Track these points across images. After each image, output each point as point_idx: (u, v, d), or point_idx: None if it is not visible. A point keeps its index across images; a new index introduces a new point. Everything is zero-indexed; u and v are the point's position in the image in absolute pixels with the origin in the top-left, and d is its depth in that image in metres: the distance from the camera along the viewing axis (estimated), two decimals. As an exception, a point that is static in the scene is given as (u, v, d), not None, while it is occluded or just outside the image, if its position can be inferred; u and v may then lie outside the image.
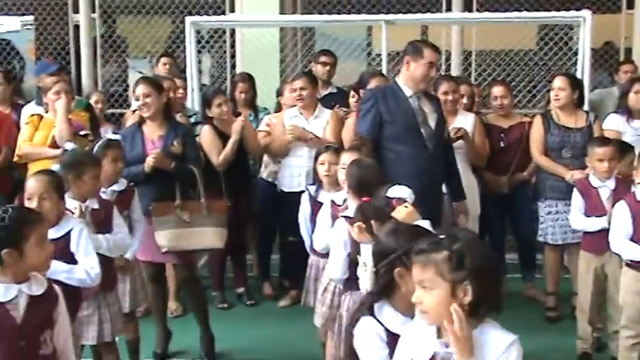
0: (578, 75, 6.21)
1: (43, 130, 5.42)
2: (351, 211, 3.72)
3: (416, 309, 2.25)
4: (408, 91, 4.68)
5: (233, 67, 7.53)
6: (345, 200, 4.12)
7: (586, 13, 6.23)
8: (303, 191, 5.60)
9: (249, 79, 6.42)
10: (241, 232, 5.80)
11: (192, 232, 4.69)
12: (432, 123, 4.68)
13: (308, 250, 4.73)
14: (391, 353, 2.42)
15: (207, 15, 7.63)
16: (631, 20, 7.51)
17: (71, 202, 3.71)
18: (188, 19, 6.63)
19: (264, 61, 7.03)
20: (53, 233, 3.24)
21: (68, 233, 3.44)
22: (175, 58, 7.39)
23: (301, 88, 5.78)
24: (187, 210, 4.69)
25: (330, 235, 4.05)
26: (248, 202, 5.78)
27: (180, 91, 6.29)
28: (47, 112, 5.55)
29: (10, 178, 6.04)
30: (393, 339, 2.40)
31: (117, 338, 4.10)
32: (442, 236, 2.17)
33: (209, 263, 6.00)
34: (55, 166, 3.90)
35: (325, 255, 4.41)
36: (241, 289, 6.07)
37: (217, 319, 5.13)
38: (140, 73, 9.30)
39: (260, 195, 6.07)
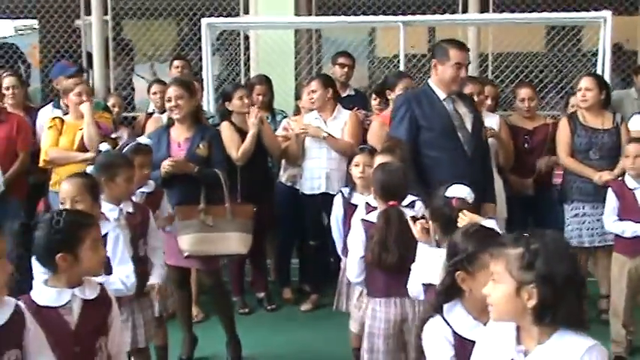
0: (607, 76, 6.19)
1: (68, 133, 5.36)
2: (374, 215, 3.68)
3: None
4: (441, 94, 4.52)
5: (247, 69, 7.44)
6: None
7: (606, 14, 6.20)
8: (323, 194, 5.67)
9: (266, 81, 6.35)
10: (261, 236, 5.71)
11: (215, 236, 4.62)
12: (469, 126, 4.51)
13: (340, 253, 4.67)
14: (458, 356, 2.36)
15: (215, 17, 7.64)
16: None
17: (105, 206, 3.62)
18: (204, 21, 6.56)
19: (280, 63, 6.94)
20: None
21: (104, 237, 3.35)
22: (188, 61, 7.29)
23: (312, 91, 5.75)
24: (211, 214, 4.62)
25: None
26: (269, 207, 5.70)
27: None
28: (66, 114, 5.47)
29: (26, 182, 5.95)
30: (460, 342, 2.33)
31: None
32: (527, 234, 2.08)
33: (228, 268, 5.92)
34: (90, 168, 3.81)
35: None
36: (262, 294, 5.99)
37: (239, 324, 5.03)
38: (142, 77, 9.30)
39: (279, 199, 5.99)
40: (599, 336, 2.14)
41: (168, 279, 4.55)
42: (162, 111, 5.67)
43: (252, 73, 7.31)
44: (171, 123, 4.81)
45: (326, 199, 5.68)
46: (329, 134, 5.66)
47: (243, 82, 7.34)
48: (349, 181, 4.67)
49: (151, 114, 6.34)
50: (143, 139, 4.44)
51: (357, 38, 8.16)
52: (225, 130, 5.48)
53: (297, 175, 5.93)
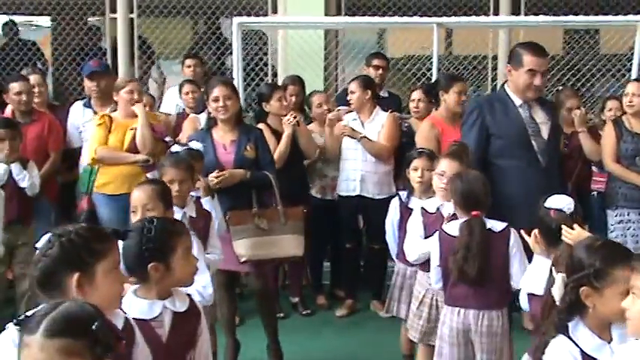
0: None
1: (117, 132, 5.25)
2: (455, 227, 3.60)
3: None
4: (517, 100, 4.32)
5: (271, 70, 7.35)
6: (438, 208, 3.99)
7: (642, 17, 6.12)
8: (358, 196, 5.61)
9: (299, 81, 6.25)
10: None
11: (271, 240, 4.52)
12: (545, 134, 4.30)
13: (394, 257, 4.61)
14: None
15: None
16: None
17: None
18: (235, 20, 6.45)
19: (311, 63, 6.86)
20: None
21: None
22: (201, 59, 7.18)
23: (351, 92, 5.68)
24: (265, 217, 4.52)
25: (424, 245, 3.94)
26: (306, 209, 5.59)
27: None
28: (114, 110, 5.37)
29: (56, 183, 5.84)
30: None
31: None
32: None
33: (288, 270, 5.92)
34: (152, 174, 3.72)
35: (412, 263, 4.30)
36: (296, 299, 5.90)
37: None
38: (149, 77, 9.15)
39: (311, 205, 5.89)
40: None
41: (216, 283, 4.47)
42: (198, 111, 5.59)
43: (280, 74, 7.23)
44: (212, 124, 4.70)
45: (361, 201, 5.65)
46: (365, 136, 5.57)
47: (270, 82, 7.27)
48: (406, 185, 4.55)
49: (180, 114, 6.25)
50: (195, 144, 4.32)
51: (362, 39, 8.08)
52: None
53: (326, 186, 5.88)
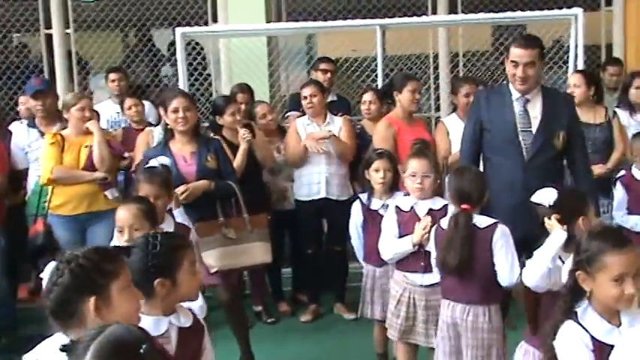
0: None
1: (71, 151, 5.10)
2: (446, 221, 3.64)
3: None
4: (515, 94, 4.26)
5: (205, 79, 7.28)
6: (412, 207, 4.01)
7: (577, 11, 6.26)
8: (322, 199, 5.60)
9: (247, 89, 6.22)
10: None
11: (240, 249, 4.50)
12: (535, 129, 4.20)
13: (360, 260, 4.60)
14: None
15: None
16: (610, 18, 7.64)
17: None
18: (178, 30, 6.35)
19: (256, 72, 6.83)
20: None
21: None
22: (125, 72, 7.05)
23: (311, 95, 5.64)
24: (232, 227, 4.48)
25: (399, 244, 3.97)
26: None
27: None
28: (64, 128, 5.23)
29: (3, 206, 5.64)
30: (599, 347, 2.29)
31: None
32: None
33: (251, 279, 5.89)
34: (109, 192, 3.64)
35: (380, 264, 4.33)
36: (259, 307, 5.86)
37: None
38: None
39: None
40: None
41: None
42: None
43: (223, 83, 7.18)
44: (169, 137, 4.63)
45: (325, 204, 5.65)
46: (334, 134, 5.58)
47: (214, 91, 7.24)
48: (366, 187, 4.56)
49: (127, 129, 6.13)
50: (162, 159, 4.23)
51: (297, 44, 8.10)
52: None
53: (279, 197, 5.85)
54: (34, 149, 5.60)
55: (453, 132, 5.38)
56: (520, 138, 4.20)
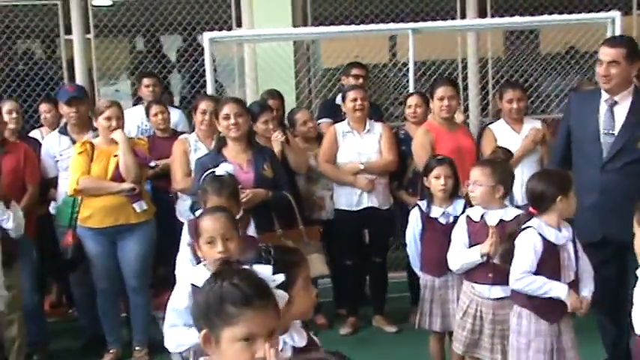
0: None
1: (100, 160, 4.93)
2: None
3: None
4: (604, 96, 4.17)
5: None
6: (482, 216, 3.88)
7: (615, 14, 6.16)
8: (364, 208, 5.42)
9: (278, 95, 6.06)
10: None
11: (299, 261, 4.31)
12: (617, 131, 4.09)
13: (417, 270, 4.44)
14: None
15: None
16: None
17: None
18: (206, 35, 6.22)
19: (283, 76, 6.68)
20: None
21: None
22: (158, 77, 6.88)
23: (362, 99, 5.46)
24: (289, 238, 4.33)
25: (468, 254, 3.84)
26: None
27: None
28: (96, 137, 5.05)
29: (35, 217, 5.37)
30: None
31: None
32: None
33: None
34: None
35: (439, 274, 4.20)
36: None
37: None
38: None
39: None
40: None
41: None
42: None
43: (248, 88, 7.03)
44: (222, 144, 4.47)
45: (367, 214, 5.47)
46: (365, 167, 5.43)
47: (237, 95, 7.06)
48: (424, 194, 4.41)
49: (151, 137, 5.93)
50: (227, 167, 4.04)
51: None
52: None
53: (313, 206, 5.65)
54: (65, 157, 5.38)
55: (500, 138, 5.24)
56: (602, 140, 4.13)
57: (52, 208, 5.63)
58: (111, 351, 5.23)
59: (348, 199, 5.48)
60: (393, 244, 6.12)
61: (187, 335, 2.88)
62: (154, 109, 6.04)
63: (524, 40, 8.17)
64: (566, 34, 7.27)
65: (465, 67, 7.30)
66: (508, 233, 3.59)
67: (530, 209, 3.53)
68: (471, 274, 3.90)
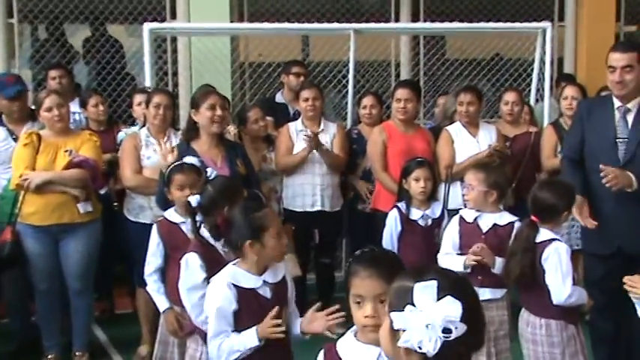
0: (534, 86, 6.42)
1: (47, 152, 4.67)
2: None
3: None
4: (616, 103, 4.12)
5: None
6: (475, 218, 3.91)
7: (547, 25, 6.40)
8: (321, 211, 5.38)
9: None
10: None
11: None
12: (633, 137, 4.04)
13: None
14: None
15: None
16: (562, 33, 7.84)
17: None
18: (146, 26, 5.96)
19: (221, 70, 6.49)
20: (271, 277, 2.92)
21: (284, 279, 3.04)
22: (67, 69, 6.48)
23: (314, 99, 5.40)
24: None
25: (455, 260, 3.85)
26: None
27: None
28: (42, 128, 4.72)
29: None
30: None
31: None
32: None
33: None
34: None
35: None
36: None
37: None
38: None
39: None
40: None
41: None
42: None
43: (181, 82, 6.80)
44: (192, 137, 4.30)
45: (319, 215, 5.42)
46: (327, 149, 5.37)
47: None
48: (404, 196, 4.40)
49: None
50: (190, 159, 3.88)
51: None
52: None
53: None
54: (1, 149, 5.02)
55: (457, 140, 5.30)
56: (617, 148, 4.09)
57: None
58: (49, 356, 4.91)
59: (302, 200, 5.42)
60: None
61: (240, 340, 2.83)
62: (94, 99, 5.72)
63: (435, 45, 8.29)
64: (491, 41, 7.43)
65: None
66: (521, 248, 3.52)
67: (533, 217, 3.54)
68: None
